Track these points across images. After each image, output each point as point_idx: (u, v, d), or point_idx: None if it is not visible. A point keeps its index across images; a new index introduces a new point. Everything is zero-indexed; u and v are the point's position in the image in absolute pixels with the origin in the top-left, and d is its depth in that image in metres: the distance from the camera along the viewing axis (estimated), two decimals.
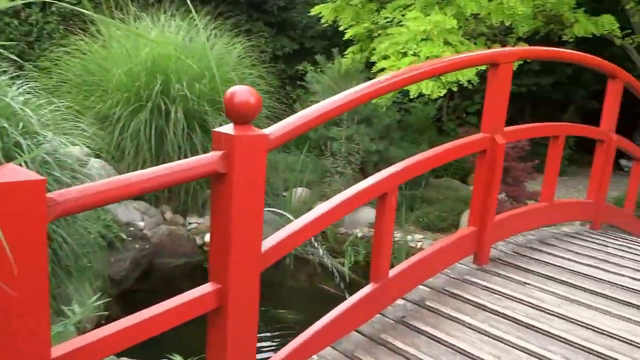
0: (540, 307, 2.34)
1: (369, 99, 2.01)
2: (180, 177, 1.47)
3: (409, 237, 5.97)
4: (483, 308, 2.34)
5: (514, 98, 10.30)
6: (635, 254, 3.10)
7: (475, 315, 2.28)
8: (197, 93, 5.20)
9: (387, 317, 2.28)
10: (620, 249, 3.16)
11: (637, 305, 2.36)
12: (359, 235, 6.05)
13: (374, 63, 6.17)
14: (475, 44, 5.73)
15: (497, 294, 2.45)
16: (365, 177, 7.20)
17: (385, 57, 5.83)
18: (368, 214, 6.66)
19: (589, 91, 11.07)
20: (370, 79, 7.90)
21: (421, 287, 2.49)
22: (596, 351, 2.03)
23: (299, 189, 6.32)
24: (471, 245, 2.69)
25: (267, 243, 1.71)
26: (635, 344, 2.07)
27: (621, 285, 2.56)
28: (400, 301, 2.39)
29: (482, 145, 2.55)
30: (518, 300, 2.39)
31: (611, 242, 3.31)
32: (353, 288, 4.76)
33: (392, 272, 2.25)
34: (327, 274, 5.06)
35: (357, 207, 2.11)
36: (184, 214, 5.79)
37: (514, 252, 2.93)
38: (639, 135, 12.65)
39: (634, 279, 2.65)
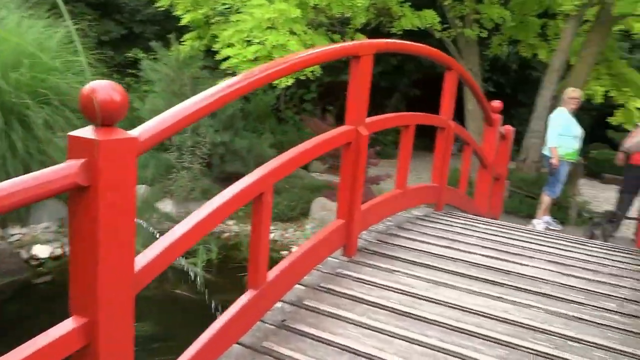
0: (411, 292, 2.41)
1: (244, 92, 1.86)
2: (28, 196, 1.18)
3: None
4: (360, 300, 2.34)
5: (344, 86, 10.68)
6: (477, 231, 3.39)
7: (353, 309, 2.28)
8: (14, 84, 4.50)
9: (267, 323, 2.17)
10: (464, 228, 3.43)
11: (492, 281, 2.56)
12: None
13: (214, 50, 5.93)
14: (316, 34, 5.80)
15: (370, 285, 2.48)
16: (214, 171, 7.02)
17: (229, 45, 5.62)
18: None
19: (412, 80, 12.05)
20: (208, 67, 7.58)
21: (297, 286, 2.42)
22: (467, 330, 2.15)
23: (140, 187, 5.87)
24: (340, 238, 2.69)
25: (140, 261, 1.49)
26: (498, 318, 2.24)
27: (475, 263, 2.77)
28: (278, 304, 2.29)
29: (348, 137, 2.55)
30: (390, 289, 2.44)
31: (455, 222, 3.59)
32: (211, 289, 4.57)
33: (270, 275, 2.14)
34: (178, 276, 4.77)
35: (235, 210, 1.95)
36: (2, 224, 5.02)
37: (377, 240, 3.01)
38: (456, 121, 14.21)
39: (483, 255, 2.88)
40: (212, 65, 7.08)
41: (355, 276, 2.56)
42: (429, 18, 6.95)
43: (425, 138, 5.83)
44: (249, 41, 5.62)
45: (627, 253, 3.22)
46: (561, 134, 6.11)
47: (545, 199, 6.50)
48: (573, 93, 6.27)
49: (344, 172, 2.62)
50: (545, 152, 6.37)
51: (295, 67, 2.13)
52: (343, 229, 2.68)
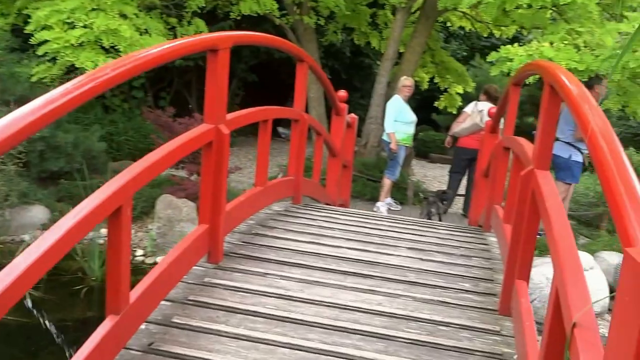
0: (286, 296, 2.34)
1: (94, 94, 1.59)
2: None
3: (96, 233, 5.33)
4: (234, 310, 2.21)
5: (181, 71, 10.14)
6: (339, 223, 3.43)
7: (228, 321, 2.14)
8: None
9: (133, 349, 1.94)
10: (326, 220, 3.46)
11: (362, 274, 2.59)
12: (29, 241, 5.14)
13: (22, 29, 5.21)
14: (150, 16, 5.39)
15: (243, 292, 2.36)
16: (33, 171, 6.20)
17: (45, 27, 4.98)
18: (38, 213, 5.74)
19: (249, 65, 11.93)
20: (17, 50, 6.59)
21: (164, 302, 2.20)
22: (345, 327, 2.14)
23: None
24: (205, 244, 2.51)
25: None
26: (373, 312, 2.27)
27: (344, 257, 2.78)
28: (142, 326, 2.06)
29: (208, 137, 2.37)
30: (265, 294, 2.34)
31: (316, 215, 3.60)
32: (44, 308, 4.03)
33: (133, 296, 1.91)
34: None
35: (90, 230, 1.68)
36: None
37: (243, 242, 2.88)
38: (289, 105, 14.44)
39: (350, 248, 2.92)
40: (21, 46, 6.23)
41: (226, 284, 2.42)
42: (267, 4, 6.89)
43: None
44: (70, 23, 5.04)
45: (471, 233, 3.51)
46: (396, 120, 6.51)
47: (387, 182, 6.89)
48: (406, 81, 6.69)
49: (206, 173, 2.44)
50: (384, 137, 6.74)
51: (150, 63, 1.89)
52: (207, 234, 2.50)
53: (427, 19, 7.56)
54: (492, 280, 2.52)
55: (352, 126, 5.62)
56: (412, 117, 6.76)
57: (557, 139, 6.12)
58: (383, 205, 6.93)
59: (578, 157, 6.12)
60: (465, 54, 14.16)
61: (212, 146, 2.40)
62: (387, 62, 7.62)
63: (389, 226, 3.42)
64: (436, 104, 10.04)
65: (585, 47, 5.03)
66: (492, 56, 5.19)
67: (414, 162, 11.63)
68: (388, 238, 3.07)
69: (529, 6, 5.06)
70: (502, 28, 8.73)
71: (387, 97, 7.82)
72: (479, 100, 6.90)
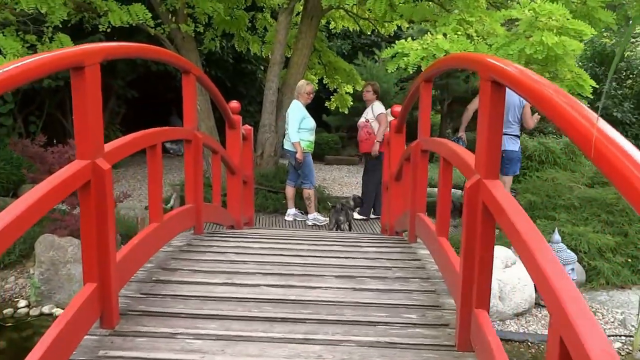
0: None
1: None
2: None
3: None
4: None
5: (51, 91, 9.05)
6: (252, 253, 3.00)
7: None
8: None
9: None
10: (237, 252, 3.01)
11: (292, 319, 2.18)
12: None
13: None
14: (3, 34, 4.59)
15: None
16: None
17: None
18: None
19: (127, 81, 11.04)
20: None
21: None
22: None
23: None
24: (95, 307, 1.99)
25: None
26: None
27: (266, 299, 2.36)
28: None
29: (83, 176, 1.86)
30: None
31: (224, 246, 3.15)
32: None
33: None
34: None
35: None
36: None
37: (142, 293, 2.36)
38: (175, 119, 13.60)
39: (271, 285, 2.50)
40: None
41: (126, 356, 1.92)
42: (139, 13, 6.25)
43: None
44: None
45: (397, 246, 3.24)
46: (300, 128, 6.20)
47: (310, 192, 6.56)
48: (308, 87, 6.39)
49: (86, 222, 1.93)
50: (287, 146, 6.39)
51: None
52: (97, 294, 1.99)
53: (310, 20, 7.32)
54: (439, 307, 2.23)
55: (248, 138, 5.21)
56: (314, 123, 6.49)
57: (504, 134, 6.25)
58: (314, 217, 6.60)
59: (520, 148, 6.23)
60: (345, 53, 14.21)
61: (90, 187, 1.89)
62: (275, 66, 7.28)
63: (309, 250, 3.05)
64: (327, 104, 9.88)
65: (478, 36, 5.02)
66: (387, 52, 5.03)
67: None
68: (312, 266, 2.69)
69: None
70: (385, 24, 8.76)
71: (279, 103, 7.49)
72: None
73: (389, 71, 5.10)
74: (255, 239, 3.48)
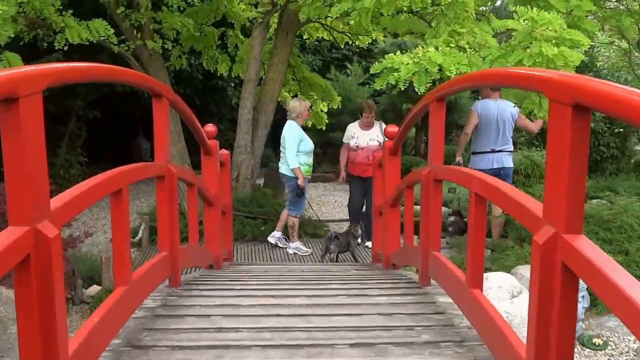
0: None
1: None
2: None
3: None
4: None
5: None
6: (244, 315, 2.46)
7: None
8: None
9: None
10: (224, 314, 2.47)
11: None
12: None
13: None
14: None
15: None
16: None
17: None
18: None
19: (88, 101, 10.41)
20: None
21: None
22: None
23: None
24: None
25: None
26: None
27: None
28: None
29: (21, 249, 1.34)
30: None
31: (207, 304, 2.62)
32: None
33: None
34: None
35: None
36: None
37: None
38: (142, 140, 12.94)
39: None
40: None
41: None
42: (100, 29, 5.71)
43: None
44: None
45: (412, 294, 2.76)
46: (299, 151, 5.72)
47: (294, 220, 6.08)
48: (304, 105, 5.95)
49: (24, 308, 1.41)
50: (284, 171, 5.90)
51: None
52: None
53: (286, 34, 6.88)
54: None
55: (226, 164, 4.71)
56: (312, 145, 6.04)
57: (501, 151, 5.77)
58: (296, 246, 6.15)
59: None
60: (317, 68, 13.80)
61: (30, 263, 1.38)
62: (250, 84, 6.80)
63: (310, 305, 2.55)
64: (304, 123, 9.43)
65: (470, 48, 4.66)
66: (375, 67, 4.60)
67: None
68: (318, 331, 2.17)
69: (411, 11, 4.59)
70: (360, 37, 8.39)
71: (254, 122, 7.02)
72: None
73: (378, 87, 4.68)
74: (243, 289, 2.97)
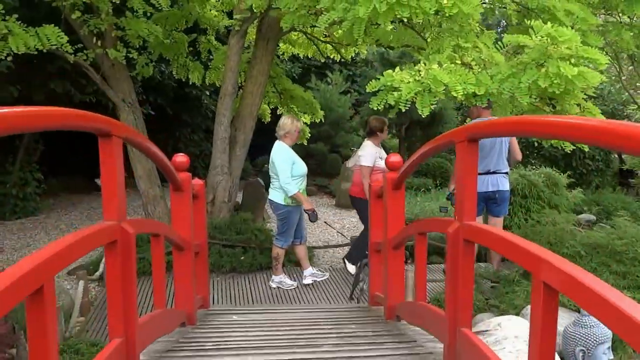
0: None
1: None
2: None
3: None
4: None
5: None
6: None
7: None
8: None
9: None
10: None
11: None
12: None
13: None
14: None
15: None
16: None
17: None
18: None
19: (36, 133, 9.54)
20: None
21: None
22: None
23: None
24: None
25: None
26: None
27: None
28: None
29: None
30: None
31: None
32: None
33: None
34: None
35: None
36: None
37: None
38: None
39: None
40: None
41: None
42: (52, 37, 5.00)
43: None
44: None
45: None
46: (292, 175, 5.10)
47: (279, 252, 5.45)
48: (295, 124, 5.29)
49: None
50: (275, 198, 5.27)
51: None
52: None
53: (266, 43, 6.26)
54: None
55: (200, 196, 4.05)
56: (305, 168, 5.34)
57: (496, 172, 5.35)
58: (279, 280, 5.52)
59: None
60: (296, 76, 13.15)
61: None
62: (227, 98, 6.14)
63: None
64: None
65: (476, 65, 4.12)
66: (372, 85, 4.03)
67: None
68: None
69: (408, 23, 4.02)
70: (345, 48, 7.82)
71: (232, 139, 6.37)
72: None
73: (374, 108, 4.09)
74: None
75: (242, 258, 5.99)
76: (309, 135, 8.64)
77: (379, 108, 4.07)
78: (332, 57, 8.02)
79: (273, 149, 5.25)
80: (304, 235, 5.60)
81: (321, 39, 7.65)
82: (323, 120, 8.57)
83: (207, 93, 12.32)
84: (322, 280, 5.68)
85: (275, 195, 5.22)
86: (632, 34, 5.61)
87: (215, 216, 6.34)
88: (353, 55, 8.56)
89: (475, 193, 2.20)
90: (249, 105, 6.32)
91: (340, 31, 4.29)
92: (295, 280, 5.63)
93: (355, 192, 5.67)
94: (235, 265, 5.95)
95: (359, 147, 6.04)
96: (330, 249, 7.12)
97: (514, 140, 5.38)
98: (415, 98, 3.88)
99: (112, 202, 2.10)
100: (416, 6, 3.83)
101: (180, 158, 3.52)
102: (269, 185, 5.46)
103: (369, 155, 5.47)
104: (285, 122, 5.25)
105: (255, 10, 5.57)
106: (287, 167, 5.05)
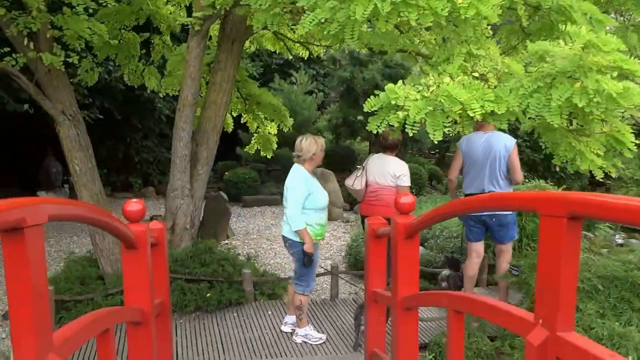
0: None
1: None
2: None
3: None
4: None
5: None
6: None
7: None
8: None
9: None
10: None
11: None
12: None
13: None
14: None
15: None
16: None
17: None
18: None
19: None
20: None
21: None
22: None
23: None
24: None
25: None
26: None
27: None
28: None
29: None
30: None
31: None
32: None
33: None
34: None
35: None
36: None
37: None
38: (51, 162, 10.99)
39: None
40: None
41: None
42: None
43: None
44: None
45: None
46: (306, 207, 4.21)
47: (302, 299, 4.48)
48: (316, 143, 4.29)
49: None
50: (287, 233, 4.32)
51: None
52: None
53: (232, 44, 5.44)
54: None
55: (160, 242, 3.24)
56: (326, 199, 4.37)
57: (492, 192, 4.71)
58: (305, 333, 4.59)
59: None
60: (257, 76, 12.27)
61: None
62: (186, 109, 5.27)
63: None
64: (247, 149, 8.00)
65: (494, 77, 3.46)
66: (371, 103, 3.30)
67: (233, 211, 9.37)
68: None
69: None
70: (316, 47, 7.09)
71: (193, 156, 5.53)
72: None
73: (373, 131, 3.37)
74: None
75: (208, 295, 5.19)
76: (275, 147, 7.86)
77: (379, 130, 3.35)
78: (300, 54, 7.26)
79: (290, 174, 4.31)
80: (312, 284, 4.57)
81: (289, 36, 6.88)
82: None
83: (161, 95, 11.34)
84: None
85: (287, 230, 4.31)
86: (637, 36, 5.10)
87: (176, 245, 5.50)
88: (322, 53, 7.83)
89: (576, 284, 1.51)
90: (213, 117, 5.49)
91: (325, 32, 3.54)
92: (324, 333, 4.70)
93: (389, 214, 4.88)
94: (200, 303, 5.13)
95: (362, 164, 5.21)
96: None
97: (515, 156, 4.71)
98: (425, 119, 3.18)
99: (29, 333, 1.30)
100: (425, 6, 3.13)
101: (134, 206, 2.70)
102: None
103: (407, 172, 4.87)
104: (306, 143, 4.29)
105: (218, 7, 4.76)
106: (300, 198, 4.16)
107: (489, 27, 3.81)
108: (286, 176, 4.35)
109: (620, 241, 10.04)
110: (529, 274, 4.64)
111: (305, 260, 4.24)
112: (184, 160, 5.34)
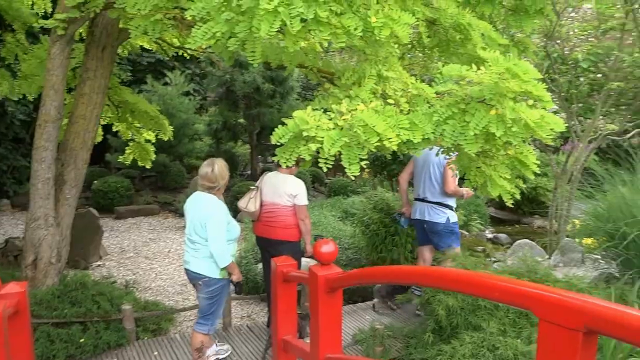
0: None
1: None
2: None
3: None
4: None
5: None
6: None
7: None
8: None
9: None
10: None
11: None
12: None
13: None
14: None
15: None
16: None
17: None
18: None
19: None
20: None
21: None
22: None
23: None
24: None
25: None
26: None
27: None
28: None
29: None
30: None
31: None
32: None
33: None
34: None
35: None
36: None
37: None
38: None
39: None
40: None
41: None
42: None
43: None
44: None
45: None
46: (227, 239, 3.70)
47: (203, 341, 3.92)
48: (226, 171, 3.80)
49: None
50: (201, 270, 3.72)
51: None
52: None
53: (102, 51, 4.72)
54: None
55: (21, 310, 2.60)
56: (239, 229, 3.91)
57: (424, 200, 4.88)
58: (215, 352, 4.23)
59: (454, 217, 4.90)
60: (126, 81, 11.11)
61: None
62: (50, 125, 4.46)
63: None
64: (121, 159, 7.19)
65: (406, 102, 3.24)
66: (279, 134, 2.91)
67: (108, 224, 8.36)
68: None
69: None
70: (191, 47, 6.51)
71: (58, 178, 4.74)
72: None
73: (282, 165, 2.99)
74: None
75: (82, 340, 4.47)
76: (154, 156, 7.16)
77: (287, 164, 2.98)
78: (179, 53, 6.63)
79: (202, 204, 3.74)
80: (216, 323, 4.05)
81: (167, 41, 6.25)
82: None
83: (14, 98, 9.96)
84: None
85: (205, 267, 3.71)
86: (517, 50, 5.26)
87: (40, 284, 4.69)
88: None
89: None
90: (82, 133, 4.74)
91: (221, 49, 3.11)
92: (226, 344, 4.37)
93: (287, 236, 4.50)
94: (72, 351, 4.41)
95: (256, 183, 4.79)
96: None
97: (447, 168, 4.78)
98: (341, 152, 2.87)
99: None
100: (338, 24, 2.82)
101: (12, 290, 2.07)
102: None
103: (305, 191, 4.55)
104: (219, 172, 3.74)
105: (86, 10, 4.07)
106: (223, 232, 3.65)
107: (396, 46, 3.60)
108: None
109: (489, 236, 10.66)
110: (432, 295, 4.56)
111: (237, 289, 3.82)
112: (47, 185, 4.54)
